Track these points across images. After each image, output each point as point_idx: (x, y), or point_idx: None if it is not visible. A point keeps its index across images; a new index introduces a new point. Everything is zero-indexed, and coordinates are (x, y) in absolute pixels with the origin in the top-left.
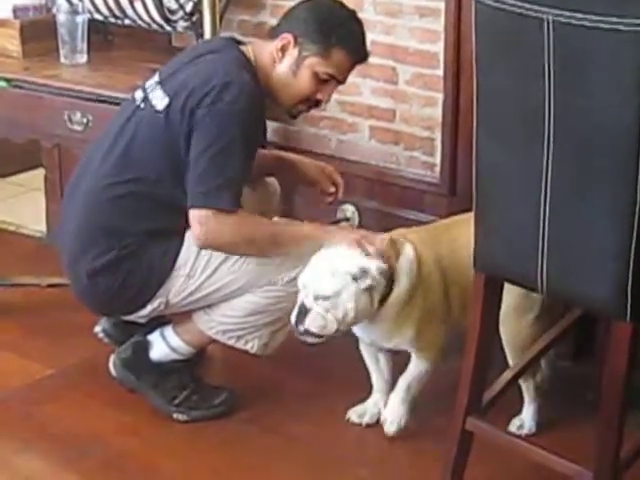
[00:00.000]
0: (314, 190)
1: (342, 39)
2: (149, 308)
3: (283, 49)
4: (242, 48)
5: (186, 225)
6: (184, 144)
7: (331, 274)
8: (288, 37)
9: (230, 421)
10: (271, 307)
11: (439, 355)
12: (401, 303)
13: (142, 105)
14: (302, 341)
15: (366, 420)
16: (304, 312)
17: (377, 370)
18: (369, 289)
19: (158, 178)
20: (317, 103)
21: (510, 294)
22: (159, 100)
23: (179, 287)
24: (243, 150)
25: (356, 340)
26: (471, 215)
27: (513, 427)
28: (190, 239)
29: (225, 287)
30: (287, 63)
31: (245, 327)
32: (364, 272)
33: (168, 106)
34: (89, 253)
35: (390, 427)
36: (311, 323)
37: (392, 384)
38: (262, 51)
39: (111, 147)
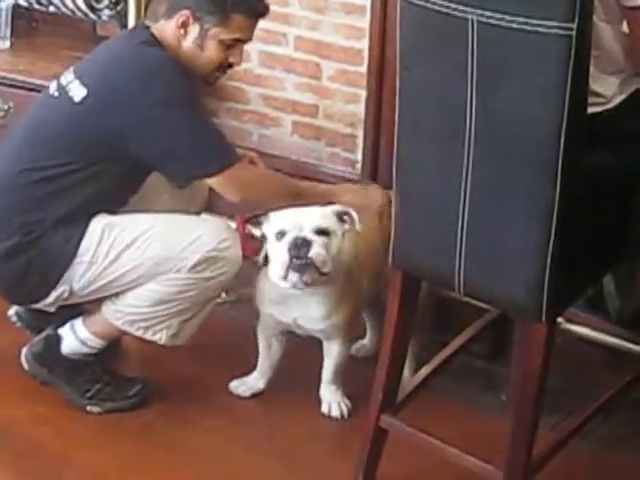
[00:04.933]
0: None
1: (237, 3)
2: (53, 296)
3: (184, 25)
4: (151, 30)
5: (90, 212)
6: (113, 130)
7: (321, 215)
8: (186, 13)
9: (145, 413)
10: (178, 296)
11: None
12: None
13: (56, 94)
14: (296, 283)
15: (241, 391)
16: (305, 244)
17: (267, 355)
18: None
19: (68, 165)
20: (230, 66)
21: None
22: (76, 92)
23: (82, 274)
24: (198, 108)
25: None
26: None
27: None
28: (94, 225)
29: (128, 274)
30: (191, 38)
31: (152, 317)
32: (346, 214)
33: (86, 97)
34: None
35: (337, 411)
36: (317, 253)
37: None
38: (165, 31)
39: (24, 135)
